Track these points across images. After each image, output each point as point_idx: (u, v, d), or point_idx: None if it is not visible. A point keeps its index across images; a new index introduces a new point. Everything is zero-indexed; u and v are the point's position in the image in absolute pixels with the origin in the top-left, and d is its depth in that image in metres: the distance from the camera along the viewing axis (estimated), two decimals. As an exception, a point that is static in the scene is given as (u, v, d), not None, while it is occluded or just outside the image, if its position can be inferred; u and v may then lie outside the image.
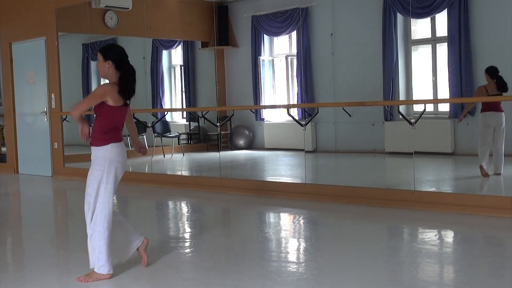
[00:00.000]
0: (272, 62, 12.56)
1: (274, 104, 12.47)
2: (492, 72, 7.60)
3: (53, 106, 10.19)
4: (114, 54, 4.12)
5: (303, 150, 8.65)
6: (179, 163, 11.54)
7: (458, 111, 9.25)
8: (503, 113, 7.52)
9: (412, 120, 6.66)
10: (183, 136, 12.73)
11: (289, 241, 5.32)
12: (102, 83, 4.12)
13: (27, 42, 10.72)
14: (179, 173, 10.52)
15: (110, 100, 4.06)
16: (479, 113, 7.70)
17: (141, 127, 11.32)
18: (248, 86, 12.53)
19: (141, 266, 4.38)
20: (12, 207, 7.89)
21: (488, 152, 7.58)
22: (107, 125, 4.11)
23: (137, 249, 4.36)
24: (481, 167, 7.48)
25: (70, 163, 10.29)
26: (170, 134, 11.90)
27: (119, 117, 4.16)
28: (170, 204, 7.70)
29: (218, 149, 11.29)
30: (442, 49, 9.66)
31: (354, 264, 4.34)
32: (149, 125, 10.64)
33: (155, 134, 11.41)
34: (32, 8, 10.49)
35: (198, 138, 13.05)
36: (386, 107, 10.07)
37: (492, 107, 7.54)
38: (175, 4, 12.34)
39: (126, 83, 4.11)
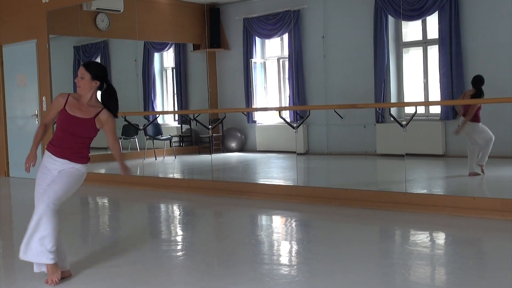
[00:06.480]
0: (264, 64, 12.57)
1: (266, 106, 12.47)
2: (473, 81, 7.57)
3: (44, 109, 10.15)
4: (105, 75, 4.17)
5: (295, 152, 8.64)
6: (171, 165, 11.51)
7: (449, 113, 9.29)
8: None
9: (404, 122, 6.69)
10: (175, 139, 12.69)
11: (281, 243, 5.32)
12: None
13: (18, 45, 10.67)
14: (171, 175, 10.49)
15: None
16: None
17: (133, 129, 11.31)
18: (240, 88, 12.53)
19: (134, 268, 4.37)
20: (3, 211, 7.84)
21: (475, 154, 7.55)
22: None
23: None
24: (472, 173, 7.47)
25: (61, 166, 10.23)
26: (161, 136, 11.87)
27: None
28: (162, 207, 7.68)
29: (210, 151, 11.26)
30: (433, 52, 9.69)
31: (346, 266, 4.35)
32: (141, 127, 10.62)
33: (147, 137, 11.38)
34: (23, 11, 10.44)
35: (190, 141, 13.02)
36: (377, 109, 10.09)
37: (475, 118, 7.50)
38: (166, 6, 12.32)
39: (114, 102, 4.22)
